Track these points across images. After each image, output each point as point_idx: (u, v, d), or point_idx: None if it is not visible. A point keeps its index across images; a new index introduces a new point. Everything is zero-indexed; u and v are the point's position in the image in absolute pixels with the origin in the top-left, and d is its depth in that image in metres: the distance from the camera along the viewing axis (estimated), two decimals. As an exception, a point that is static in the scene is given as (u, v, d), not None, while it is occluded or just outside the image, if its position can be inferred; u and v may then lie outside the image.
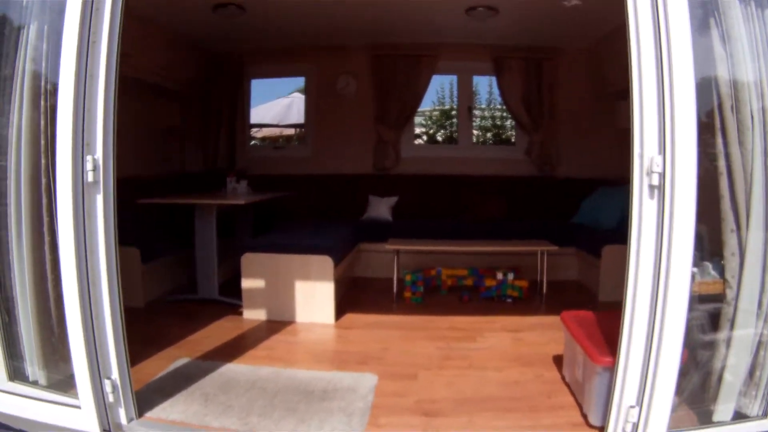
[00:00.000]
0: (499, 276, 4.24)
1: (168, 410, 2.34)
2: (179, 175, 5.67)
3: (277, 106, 7.91)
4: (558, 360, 2.90)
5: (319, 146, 5.95)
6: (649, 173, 1.85)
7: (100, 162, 2.03)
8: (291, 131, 7.19)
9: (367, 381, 2.68)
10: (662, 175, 1.83)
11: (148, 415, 2.29)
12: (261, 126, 6.72)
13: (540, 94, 5.53)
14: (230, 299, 3.95)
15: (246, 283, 3.77)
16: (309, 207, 5.64)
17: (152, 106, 5.31)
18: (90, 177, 2.02)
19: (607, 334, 2.32)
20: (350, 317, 3.82)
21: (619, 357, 1.98)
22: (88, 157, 2.01)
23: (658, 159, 1.83)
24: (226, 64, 5.78)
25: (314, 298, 3.68)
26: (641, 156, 1.88)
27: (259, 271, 3.74)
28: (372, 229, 5.08)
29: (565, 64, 5.62)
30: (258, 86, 6.27)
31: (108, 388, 2.11)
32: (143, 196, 4.06)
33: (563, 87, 5.63)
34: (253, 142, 6.55)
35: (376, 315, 3.90)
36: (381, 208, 5.40)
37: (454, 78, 5.97)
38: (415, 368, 2.88)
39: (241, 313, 3.79)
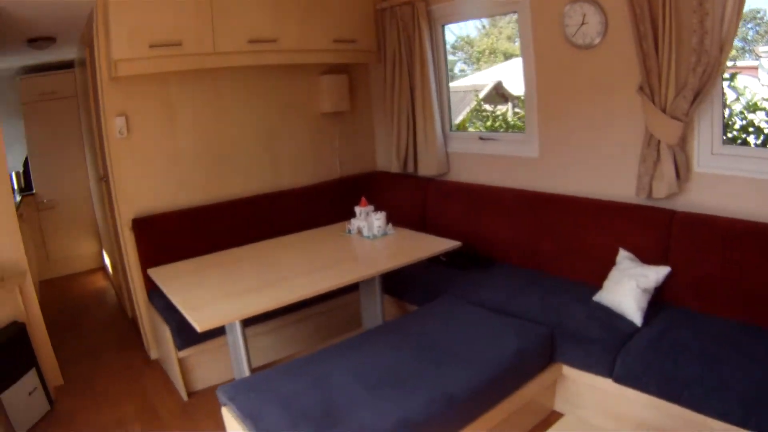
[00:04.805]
0: None
1: None
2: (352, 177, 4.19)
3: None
4: None
5: (547, 139, 3.29)
6: None
7: None
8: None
9: None
10: None
11: None
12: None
13: None
14: None
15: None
16: (522, 250, 3.22)
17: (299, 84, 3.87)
18: None
19: None
20: None
21: None
22: None
23: None
24: (399, 7, 3.66)
25: None
26: None
27: None
28: (591, 342, 2.38)
29: None
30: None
31: None
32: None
33: None
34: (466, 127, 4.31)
35: None
36: (627, 287, 2.54)
37: None
38: None
39: None
